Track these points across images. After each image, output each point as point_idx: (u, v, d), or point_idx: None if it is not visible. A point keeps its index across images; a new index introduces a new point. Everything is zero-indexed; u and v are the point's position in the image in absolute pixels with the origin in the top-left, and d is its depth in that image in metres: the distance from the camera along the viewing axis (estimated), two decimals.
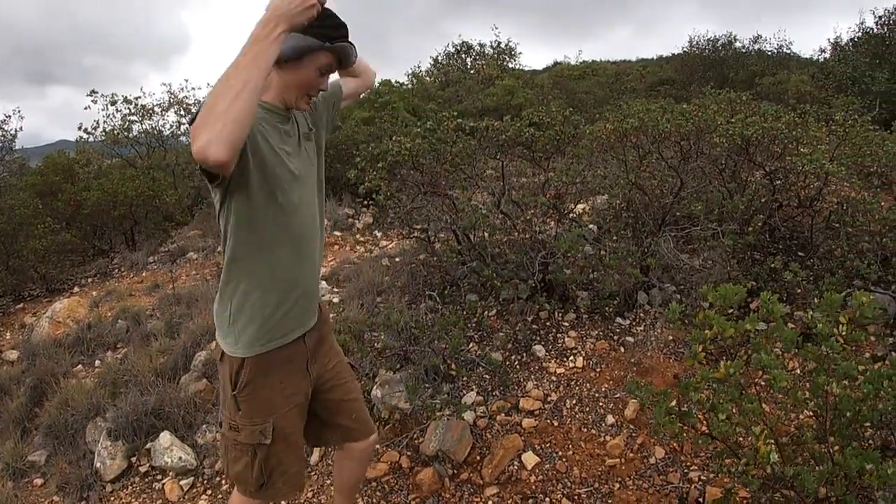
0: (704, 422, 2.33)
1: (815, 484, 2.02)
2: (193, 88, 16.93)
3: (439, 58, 28.73)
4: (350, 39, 2.17)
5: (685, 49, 23.84)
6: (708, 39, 22.99)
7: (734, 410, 2.26)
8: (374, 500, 3.71)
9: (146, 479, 4.24)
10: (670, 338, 4.78)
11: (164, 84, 20.38)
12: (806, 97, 15.07)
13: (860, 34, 18.62)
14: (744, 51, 22.85)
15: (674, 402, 2.37)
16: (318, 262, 2.46)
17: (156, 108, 15.90)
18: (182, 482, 4.11)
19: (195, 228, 11.69)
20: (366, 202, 8.27)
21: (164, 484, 4.14)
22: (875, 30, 18.04)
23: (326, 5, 2.01)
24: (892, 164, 6.23)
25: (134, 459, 4.36)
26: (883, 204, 5.39)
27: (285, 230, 2.21)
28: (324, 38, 2.07)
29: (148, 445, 4.37)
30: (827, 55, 20.27)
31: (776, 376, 2.13)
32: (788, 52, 23.44)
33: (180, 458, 4.20)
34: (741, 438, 2.24)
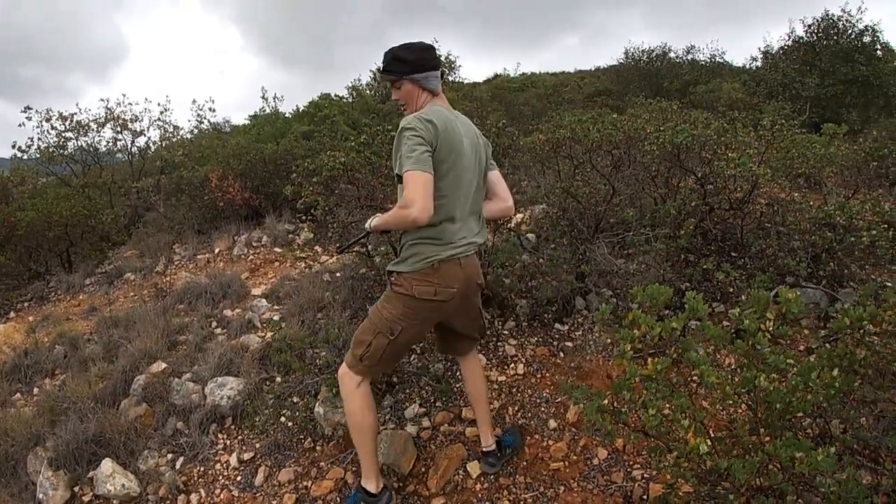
0: (637, 419, 2.36)
1: (747, 475, 2.05)
2: (131, 103, 16.59)
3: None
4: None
5: (621, 60, 24.30)
6: (643, 51, 23.50)
7: (666, 407, 2.30)
8: None
9: None
10: (608, 341, 4.85)
11: (102, 99, 20.04)
12: (738, 104, 15.47)
13: (790, 42, 19.16)
14: (678, 61, 23.38)
15: (606, 401, 2.41)
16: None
17: (92, 125, 15.51)
18: None
19: (132, 248, 11.44)
20: (305, 218, 8.23)
21: None
22: (805, 38, 18.58)
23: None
24: (820, 165, 6.43)
25: (77, 489, 4.24)
26: (812, 203, 5.55)
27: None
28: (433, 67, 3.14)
29: (90, 474, 4.25)
30: (759, 63, 20.85)
31: (704, 372, 2.17)
32: (721, 61, 24.05)
33: (123, 485, 4.10)
34: (678, 434, 2.27)
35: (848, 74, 16.84)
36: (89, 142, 15.67)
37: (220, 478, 4.19)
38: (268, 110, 18.62)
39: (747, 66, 21.94)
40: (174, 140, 16.15)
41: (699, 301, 2.30)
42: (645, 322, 2.28)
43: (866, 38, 17.46)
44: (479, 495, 3.62)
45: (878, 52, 17.70)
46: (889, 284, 5.00)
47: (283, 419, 4.53)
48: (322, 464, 4.08)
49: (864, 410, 2.99)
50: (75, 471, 4.31)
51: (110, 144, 15.93)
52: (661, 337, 2.29)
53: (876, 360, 2.42)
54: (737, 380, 2.24)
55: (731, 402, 2.28)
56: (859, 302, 2.47)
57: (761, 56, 20.72)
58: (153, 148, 16.33)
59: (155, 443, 4.56)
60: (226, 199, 10.96)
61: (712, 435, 2.40)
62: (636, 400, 2.30)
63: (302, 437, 4.38)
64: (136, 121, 15.75)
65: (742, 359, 2.31)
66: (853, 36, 17.54)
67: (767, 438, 2.20)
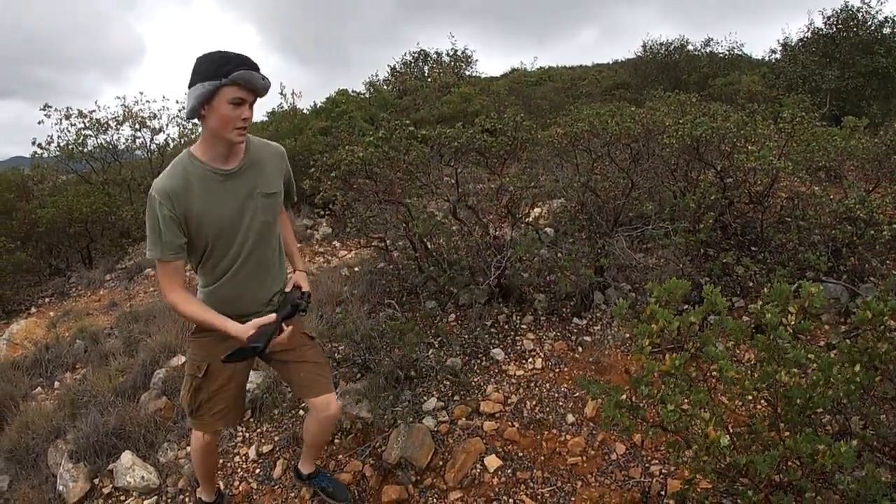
0: (655, 414, 2.36)
1: (768, 469, 2.03)
2: (148, 101, 16.70)
3: (396, 66, 28.67)
4: (249, 67, 2.41)
5: (639, 54, 24.18)
6: (661, 43, 23.36)
7: (684, 402, 2.29)
8: None
9: (110, 501, 4.15)
10: (627, 335, 4.83)
11: (119, 97, 20.01)
12: (757, 97, 15.35)
13: (809, 34, 18.97)
14: (696, 54, 23.22)
15: (624, 396, 2.40)
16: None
17: (110, 122, 15.62)
18: (146, 502, 4.04)
19: None
20: (323, 212, 8.27)
21: None
22: (824, 30, 18.38)
23: (220, 48, 2.43)
24: (840, 158, 6.37)
25: (97, 481, 4.27)
26: (832, 197, 5.50)
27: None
28: (217, 76, 2.35)
29: (110, 466, 4.28)
30: (778, 56, 20.66)
31: (723, 367, 2.16)
32: (739, 53, 23.84)
33: (142, 477, 4.13)
34: (696, 429, 2.26)
35: (868, 66, 16.63)
36: (108, 139, 15.80)
37: (239, 470, 4.20)
38: (285, 106, 18.63)
39: (766, 59, 21.81)
40: (193, 137, 16.19)
41: (717, 295, 2.29)
42: (662, 317, 2.27)
43: (886, 30, 17.21)
44: (497, 489, 3.61)
45: None
46: None
47: (301, 412, 4.54)
48: (340, 457, 4.08)
49: (884, 407, 2.97)
50: (95, 463, 4.34)
51: (129, 142, 16.06)
52: (679, 332, 2.28)
53: None
54: (756, 375, 2.23)
55: (750, 397, 2.27)
56: (880, 297, 2.43)
57: (780, 48, 20.53)
58: (172, 145, 16.41)
59: (174, 435, 4.58)
60: None
61: (731, 430, 2.39)
62: (654, 395, 2.29)
63: None
64: (154, 118, 15.85)
65: (762, 354, 2.29)
66: (873, 27, 17.30)
67: (787, 434, 2.19)
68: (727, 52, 23.62)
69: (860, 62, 16.75)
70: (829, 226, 5.15)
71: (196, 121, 2.50)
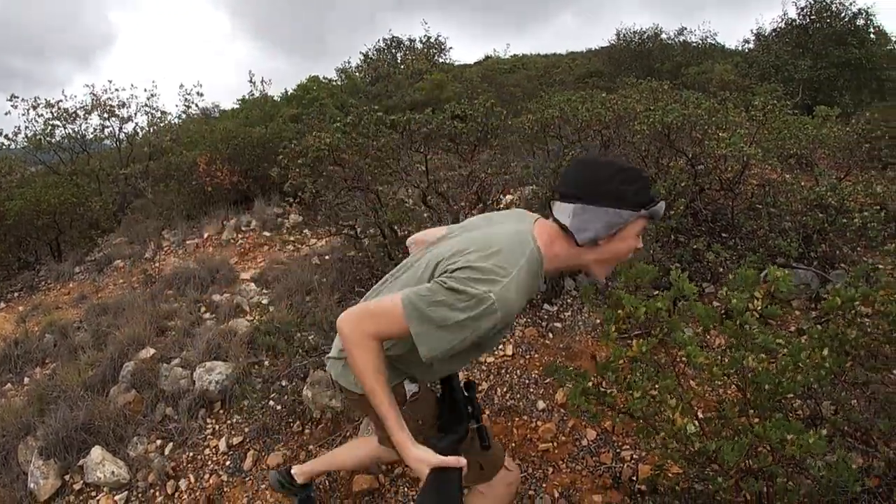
0: (624, 400, 2.33)
1: (736, 456, 2.01)
2: (117, 89, 16.35)
3: (369, 53, 28.56)
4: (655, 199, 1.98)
5: (613, 42, 24.23)
6: (634, 32, 23.42)
7: (653, 388, 2.26)
8: None
9: (81, 497, 4.09)
10: (598, 321, 4.81)
11: (87, 85, 19.56)
12: (730, 86, 15.42)
13: (783, 25, 19.09)
14: (669, 42, 23.31)
15: (591, 383, 2.37)
16: None
17: (79, 112, 15.35)
18: (116, 497, 3.99)
19: (121, 235, 11.34)
20: (293, 201, 8.20)
21: (98, 500, 4.01)
22: (798, 20, 18.51)
23: (635, 169, 1.94)
24: (812, 146, 6.40)
25: (67, 477, 4.19)
26: (804, 184, 5.53)
27: None
28: (639, 205, 1.92)
29: (80, 462, 4.21)
30: (751, 46, 20.80)
31: (691, 352, 2.13)
32: (713, 43, 23.97)
33: (113, 472, 4.06)
34: (665, 415, 2.23)
35: (841, 57, 16.77)
36: (76, 129, 15.53)
37: (209, 462, 4.16)
38: (256, 94, 18.46)
39: (740, 49, 21.90)
40: (162, 125, 16.00)
41: (684, 280, 2.26)
42: (629, 302, 2.24)
43: (860, 21, 17.37)
44: None
45: (872, 35, 17.64)
46: (881, 266, 4.97)
47: (271, 403, 4.50)
48: (311, 447, 4.06)
49: (855, 392, 2.97)
50: (65, 459, 4.26)
51: (97, 131, 15.78)
52: (646, 317, 2.25)
53: (867, 341, 2.38)
54: (726, 360, 2.21)
55: (720, 383, 2.24)
56: (850, 283, 2.43)
57: (754, 38, 20.65)
58: (141, 134, 16.18)
59: (144, 429, 4.52)
60: (214, 183, 10.88)
61: (700, 416, 2.37)
62: (622, 381, 2.26)
63: (290, 420, 4.34)
64: (123, 107, 15.60)
65: (731, 339, 2.27)
66: (846, 19, 17.45)
67: (757, 420, 2.17)
68: (700, 42, 23.75)
69: (833, 53, 16.88)
70: (799, 213, 5.17)
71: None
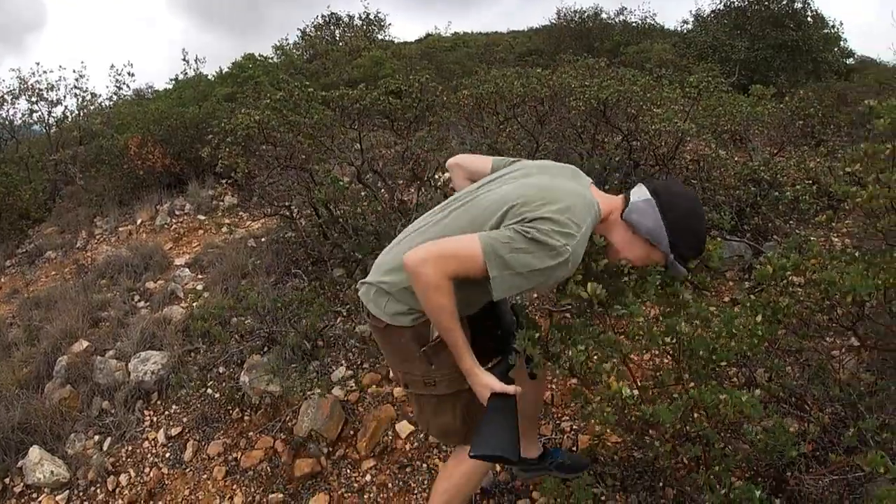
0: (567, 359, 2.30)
1: (671, 418, 2.02)
2: (45, 72, 15.61)
3: (308, 30, 28.20)
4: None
5: (553, 21, 24.35)
6: (575, 11, 23.55)
7: (593, 351, 2.23)
8: (253, 491, 3.63)
9: (22, 500, 3.98)
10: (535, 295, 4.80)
11: (13, 69, 18.80)
12: (668, 64, 15.61)
13: (721, 6, 19.43)
14: (609, 22, 23.53)
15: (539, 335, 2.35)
16: None
17: (6, 97, 14.73)
18: (58, 497, 3.90)
19: (52, 225, 10.97)
20: (225, 183, 8.00)
21: (40, 502, 3.91)
22: (736, 2, 18.86)
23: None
24: (746, 123, 6.50)
25: (7, 480, 4.09)
26: (737, 160, 5.60)
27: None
28: (676, 251, 2.14)
29: (20, 463, 4.09)
30: (690, 26, 21.11)
31: (632, 310, 2.14)
32: (652, 23, 24.31)
33: (52, 472, 3.96)
34: (602, 378, 2.21)
35: (778, 39, 17.15)
36: (4, 115, 14.92)
37: (149, 455, 4.09)
38: (190, 73, 18.07)
39: (678, 29, 22.21)
40: (92, 108, 15.47)
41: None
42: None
43: (797, 4, 17.82)
44: (410, 455, 3.61)
45: (809, 18, 18.05)
46: (813, 238, 5.06)
47: (209, 391, 4.44)
48: (251, 434, 4.02)
49: (788, 359, 3.06)
50: (4, 461, 4.15)
51: (26, 116, 15.15)
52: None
53: (800, 309, 2.43)
54: (662, 328, 2.20)
55: (657, 351, 2.25)
56: (783, 253, 2.46)
57: (693, 19, 20.99)
58: (70, 118, 15.57)
59: (81, 425, 4.41)
60: (146, 166, 10.55)
61: (638, 384, 2.38)
62: (565, 339, 2.24)
63: (229, 407, 4.28)
64: (52, 90, 15.01)
65: (665, 309, 2.32)
66: (784, 2, 17.83)
67: (692, 384, 2.17)
68: (640, 22, 24.11)
69: (770, 34, 17.25)
70: (733, 187, 5.23)
71: None
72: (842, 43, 19.37)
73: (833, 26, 18.92)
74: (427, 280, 1.98)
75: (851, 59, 20.07)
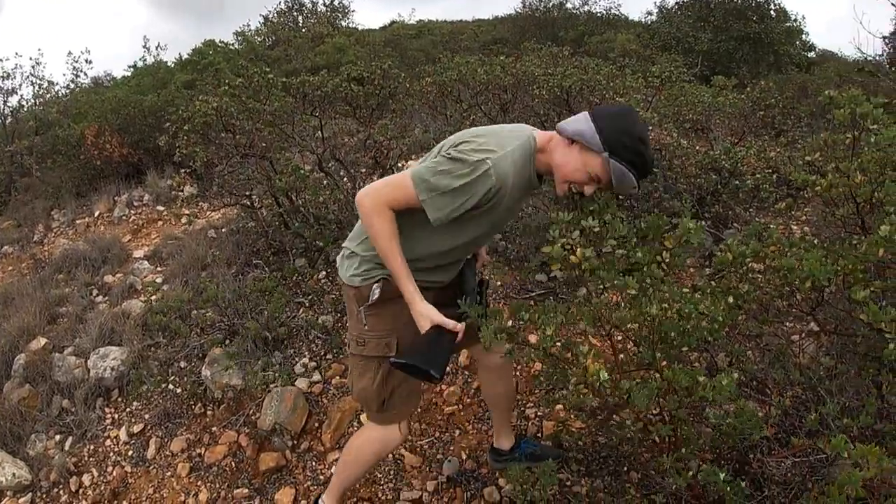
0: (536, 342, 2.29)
1: (646, 399, 2.02)
2: (1, 60, 15.18)
3: (270, 16, 27.95)
4: (637, 174, 2.19)
5: (518, 10, 24.42)
6: (540, 0, 23.64)
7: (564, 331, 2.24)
8: (218, 487, 3.61)
9: None
10: (499, 283, 4.79)
11: None
12: (631, 55, 15.74)
13: None
14: (574, 12, 23.68)
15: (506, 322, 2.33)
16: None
17: None
18: (20, 500, 3.83)
19: (8, 219, 10.74)
20: (184, 172, 7.91)
21: None
22: None
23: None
24: (708, 113, 6.57)
25: None
26: (698, 149, 5.64)
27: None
28: (613, 151, 2.12)
29: None
30: (654, 17, 21.30)
31: (617, 285, 2.14)
32: (617, 14, 24.48)
33: (14, 474, 3.89)
34: (580, 359, 2.21)
35: (740, 31, 17.41)
36: None
37: (112, 454, 4.03)
38: (149, 60, 17.77)
39: (642, 20, 22.40)
40: (48, 97, 15.15)
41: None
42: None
43: None
44: None
45: (772, 12, 18.31)
46: (772, 225, 5.11)
47: (170, 386, 4.39)
48: (214, 429, 3.99)
49: (749, 344, 3.10)
50: None
51: None
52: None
53: (759, 295, 2.44)
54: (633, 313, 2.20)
55: (630, 333, 2.26)
56: (743, 241, 2.48)
57: (657, 10, 21.21)
58: (26, 107, 15.24)
59: (42, 425, 4.34)
60: (103, 157, 10.33)
61: (619, 365, 2.38)
62: (535, 320, 2.23)
63: (192, 402, 4.24)
64: (7, 78, 14.65)
65: (635, 292, 2.27)
66: None
67: (665, 363, 2.17)
68: (605, 12, 24.26)
69: (733, 27, 17.51)
70: (694, 175, 5.27)
71: None
72: (804, 37, 19.77)
73: (795, 20, 19.30)
74: (367, 208, 2.17)
75: (813, 53, 20.44)
